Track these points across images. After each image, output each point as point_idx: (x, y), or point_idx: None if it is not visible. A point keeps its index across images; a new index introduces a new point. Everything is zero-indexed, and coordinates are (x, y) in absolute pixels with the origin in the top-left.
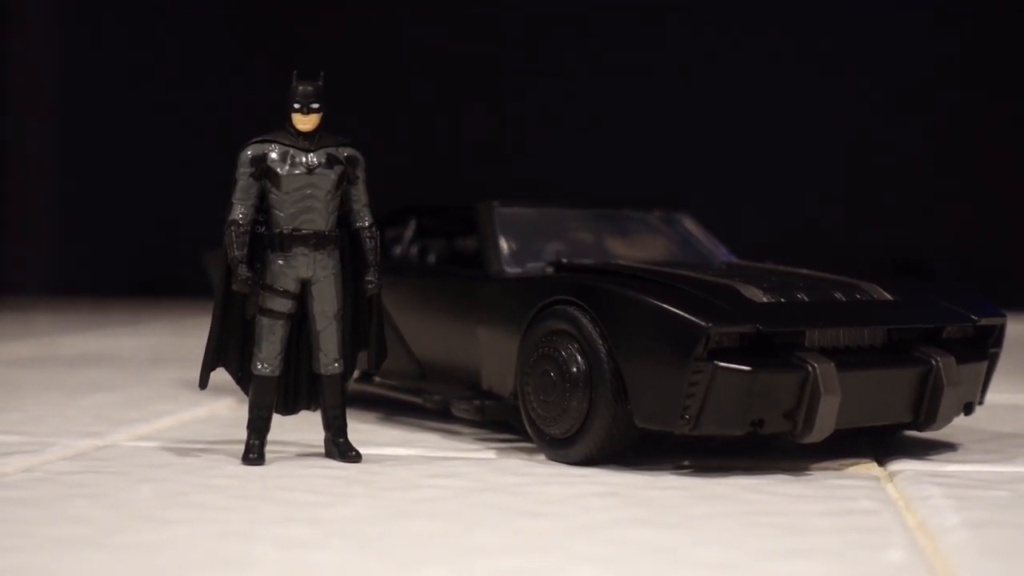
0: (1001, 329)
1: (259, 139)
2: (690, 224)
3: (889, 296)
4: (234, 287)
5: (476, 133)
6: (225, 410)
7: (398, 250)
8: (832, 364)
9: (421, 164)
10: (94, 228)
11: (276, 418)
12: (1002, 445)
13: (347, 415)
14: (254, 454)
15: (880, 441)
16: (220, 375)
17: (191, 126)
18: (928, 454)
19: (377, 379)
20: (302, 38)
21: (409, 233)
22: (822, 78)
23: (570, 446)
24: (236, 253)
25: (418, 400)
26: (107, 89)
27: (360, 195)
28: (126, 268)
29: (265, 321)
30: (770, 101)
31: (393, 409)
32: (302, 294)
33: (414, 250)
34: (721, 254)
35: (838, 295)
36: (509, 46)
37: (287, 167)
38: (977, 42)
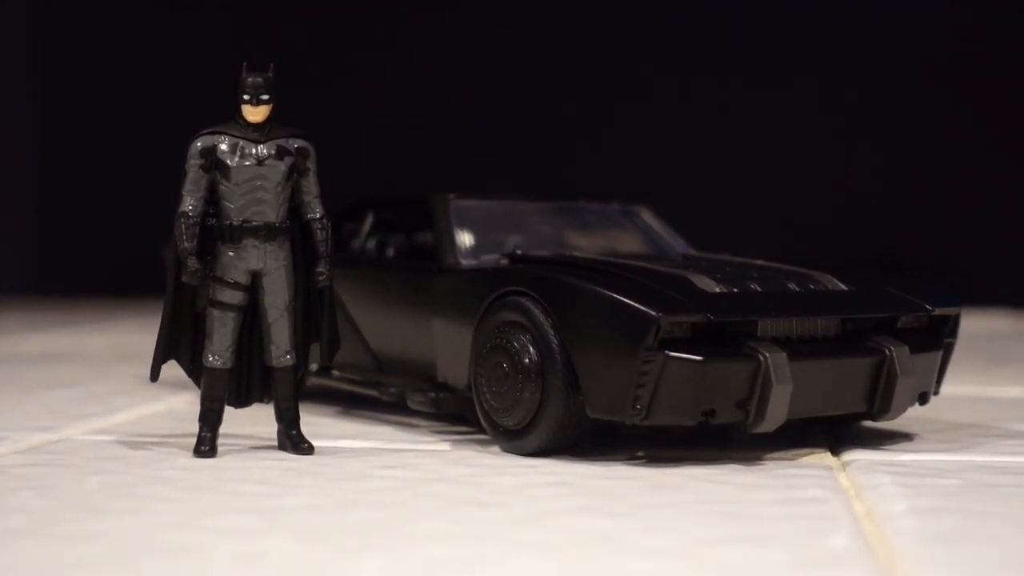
0: (956, 319)
1: (208, 131)
2: (648, 216)
3: (843, 286)
4: (184, 279)
5: (437, 126)
6: (184, 405)
7: (355, 243)
8: (784, 354)
9: (380, 157)
10: (66, 228)
11: (231, 411)
12: (957, 435)
13: (304, 408)
14: (205, 446)
15: (836, 431)
16: (177, 369)
17: (161, 126)
18: (882, 444)
19: (335, 373)
20: (268, 36)
21: (366, 226)
22: (799, 73)
23: (523, 437)
24: (186, 245)
25: (375, 393)
26: (78, 88)
27: (311, 187)
28: (97, 267)
29: (216, 313)
30: (744, 100)
31: (352, 403)
32: (253, 286)
33: (371, 243)
34: (679, 246)
35: (791, 285)
36: (466, 34)
37: (237, 159)
38: (952, 41)
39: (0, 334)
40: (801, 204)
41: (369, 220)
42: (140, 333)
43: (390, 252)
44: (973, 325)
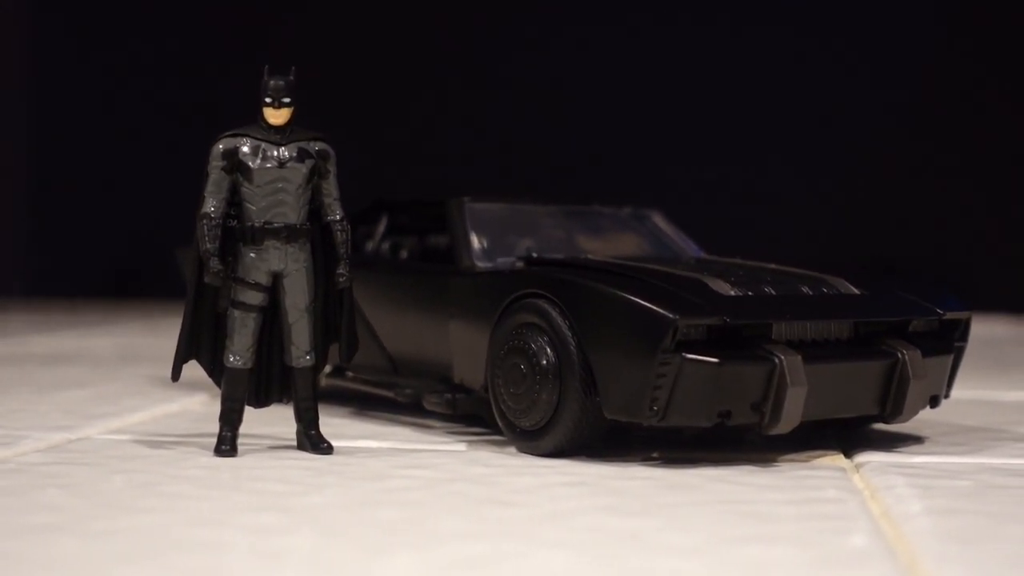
0: (966, 323)
1: (231, 133)
2: (660, 220)
3: (855, 290)
4: (206, 280)
5: (448, 128)
6: (197, 405)
7: (370, 246)
8: (799, 356)
9: (392, 160)
10: (66, 229)
11: (249, 411)
12: (967, 438)
13: (320, 408)
14: (226, 446)
15: (847, 434)
16: (193, 370)
17: (163, 125)
18: (894, 446)
19: (350, 373)
20: (272, 35)
21: (381, 229)
22: (803, 78)
23: (540, 438)
24: (208, 246)
25: (390, 394)
26: (78, 88)
27: (331, 189)
28: (98, 269)
29: (237, 314)
30: (748, 100)
31: (366, 403)
32: (274, 287)
33: (386, 246)
34: (691, 250)
35: (805, 289)
36: (480, 40)
37: (258, 161)
38: (959, 43)
39: (5, 335)
40: (802, 209)
41: (383, 223)
42: (144, 334)
43: (403, 254)
44: (973, 330)
